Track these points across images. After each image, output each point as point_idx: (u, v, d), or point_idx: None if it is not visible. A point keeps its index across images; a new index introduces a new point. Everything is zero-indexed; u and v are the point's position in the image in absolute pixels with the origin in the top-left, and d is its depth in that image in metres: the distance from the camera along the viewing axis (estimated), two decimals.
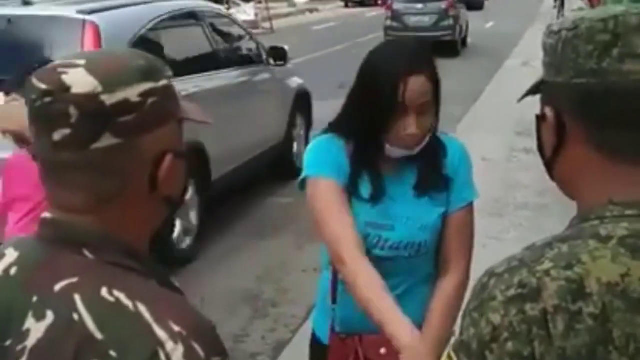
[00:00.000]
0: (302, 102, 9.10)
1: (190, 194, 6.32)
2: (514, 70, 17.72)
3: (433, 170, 2.39)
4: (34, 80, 1.21)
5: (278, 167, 8.54)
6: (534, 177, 8.57)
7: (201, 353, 1.13)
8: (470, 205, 2.45)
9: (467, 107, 12.63)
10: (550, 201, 7.74)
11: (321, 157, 2.38)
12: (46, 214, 1.26)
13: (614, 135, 1.21)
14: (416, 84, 2.23)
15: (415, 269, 2.41)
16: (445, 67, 2.31)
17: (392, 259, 2.37)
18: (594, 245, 1.16)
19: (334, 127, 2.43)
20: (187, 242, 6.55)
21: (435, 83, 2.30)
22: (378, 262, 2.33)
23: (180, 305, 1.21)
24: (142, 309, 1.15)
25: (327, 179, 2.31)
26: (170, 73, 1.34)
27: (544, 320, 1.12)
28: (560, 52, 1.25)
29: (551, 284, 1.13)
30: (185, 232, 6.50)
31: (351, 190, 2.36)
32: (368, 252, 2.33)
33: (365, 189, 2.37)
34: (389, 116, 2.23)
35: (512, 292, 1.15)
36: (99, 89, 1.19)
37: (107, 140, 1.20)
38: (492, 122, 11.43)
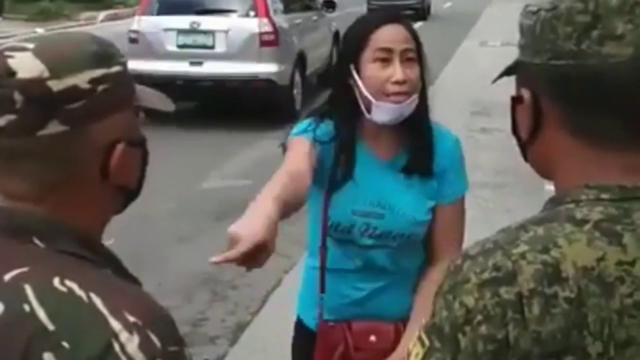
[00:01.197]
0: (337, 37, 13.00)
1: (297, 78, 11.08)
2: (471, 50, 17.81)
3: (424, 154, 2.34)
4: None
5: (322, 80, 12.20)
6: (492, 157, 8.63)
7: (157, 343, 1.10)
8: (460, 199, 2.41)
9: None
10: (508, 180, 7.81)
11: (300, 127, 2.35)
12: None
13: (591, 119, 1.19)
14: (393, 29, 2.25)
15: (401, 262, 2.38)
16: None
17: (379, 247, 2.34)
18: (569, 228, 1.15)
19: (319, 112, 2.40)
20: (298, 105, 10.87)
21: (415, 39, 2.30)
22: (365, 250, 2.33)
23: (135, 295, 1.18)
24: (96, 299, 1.12)
25: (299, 136, 2.31)
26: (124, 59, 1.28)
27: (519, 304, 1.11)
28: (538, 33, 1.22)
29: (527, 268, 1.12)
30: (296, 97, 10.94)
31: (337, 176, 2.33)
32: (355, 241, 2.33)
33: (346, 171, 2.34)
34: (365, 58, 2.24)
35: (486, 275, 1.13)
36: (46, 74, 1.15)
37: (54, 128, 1.16)
38: (449, 102, 11.46)
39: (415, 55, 2.27)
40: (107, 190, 1.24)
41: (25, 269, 1.15)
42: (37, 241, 1.18)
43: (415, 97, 2.25)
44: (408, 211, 2.32)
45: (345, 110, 2.31)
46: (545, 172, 1.30)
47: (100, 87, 1.19)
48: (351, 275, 2.38)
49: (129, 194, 1.30)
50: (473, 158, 8.65)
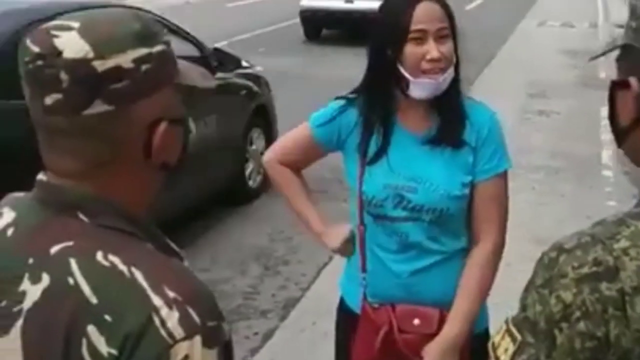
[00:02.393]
0: None
1: None
2: (529, 31, 17.58)
3: (454, 126, 2.35)
4: (28, 42, 1.19)
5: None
6: (546, 139, 8.53)
7: (197, 319, 1.13)
8: (500, 176, 2.39)
9: (480, 69, 12.54)
10: (563, 164, 7.72)
11: (321, 112, 2.51)
12: (42, 176, 1.25)
13: None
14: (428, 7, 2.27)
15: (440, 240, 2.37)
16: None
17: (413, 220, 2.33)
18: None
19: (355, 89, 2.45)
20: None
21: (449, 16, 2.31)
22: (398, 224, 2.34)
23: (176, 271, 1.20)
24: (137, 274, 1.14)
25: (307, 124, 2.53)
26: (167, 37, 1.29)
27: (621, 301, 1.07)
28: None
29: (630, 264, 1.08)
30: None
31: (365, 152, 2.37)
32: (388, 215, 2.34)
33: (375, 147, 2.37)
34: (404, 41, 2.25)
35: (585, 269, 1.10)
36: (91, 54, 1.16)
37: (99, 107, 1.18)
38: (506, 83, 11.37)
39: (449, 31, 2.31)
40: (150, 168, 1.26)
41: (70, 243, 1.18)
42: (81, 216, 1.21)
43: (450, 71, 2.30)
44: (441, 185, 2.32)
45: (381, 88, 2.35)
46: None
47: (144, 67, 1.20)
48: (391, 255, 2.38)
49: (170, 169, 1.31)
50: (528, 140, 8.55)
